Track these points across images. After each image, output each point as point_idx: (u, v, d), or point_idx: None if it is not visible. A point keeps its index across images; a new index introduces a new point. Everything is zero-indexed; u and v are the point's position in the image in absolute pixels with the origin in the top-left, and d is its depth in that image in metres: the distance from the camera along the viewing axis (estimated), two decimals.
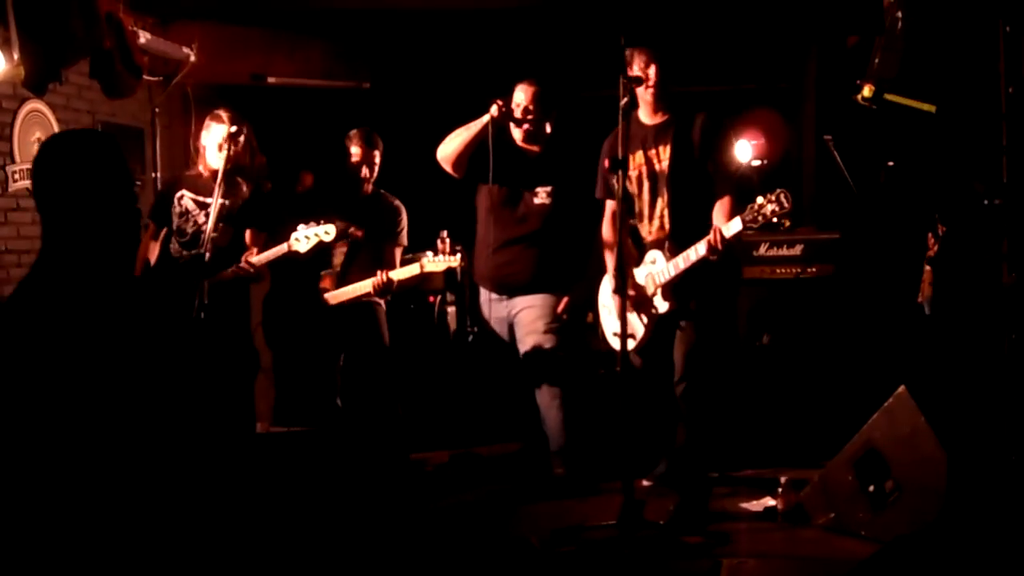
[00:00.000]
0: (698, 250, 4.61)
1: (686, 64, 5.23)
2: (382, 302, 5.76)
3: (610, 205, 5.10)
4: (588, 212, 5.32)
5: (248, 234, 5.49)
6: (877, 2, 5.15)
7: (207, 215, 5.38)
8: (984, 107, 4.95)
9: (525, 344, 5.47)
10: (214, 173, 5.38)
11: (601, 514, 4.79)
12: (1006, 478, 4.04)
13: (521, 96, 5.46)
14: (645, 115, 4.95)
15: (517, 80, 5.53)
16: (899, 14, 5.44)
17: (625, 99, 4.48)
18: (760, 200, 4.38)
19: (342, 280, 5.66)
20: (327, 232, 5.30)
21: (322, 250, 5.49)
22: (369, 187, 5.76)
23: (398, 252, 5.78)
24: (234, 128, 5.38)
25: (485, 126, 5.34)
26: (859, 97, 5.74)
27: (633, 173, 4.93)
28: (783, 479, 4.82)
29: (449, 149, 5.49)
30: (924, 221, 8.45)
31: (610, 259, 4.99)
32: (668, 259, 4.79)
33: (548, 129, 5.55)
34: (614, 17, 5.23)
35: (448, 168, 5.55)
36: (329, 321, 5.67)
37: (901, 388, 4.39)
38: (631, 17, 4.84)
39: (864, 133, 6.57)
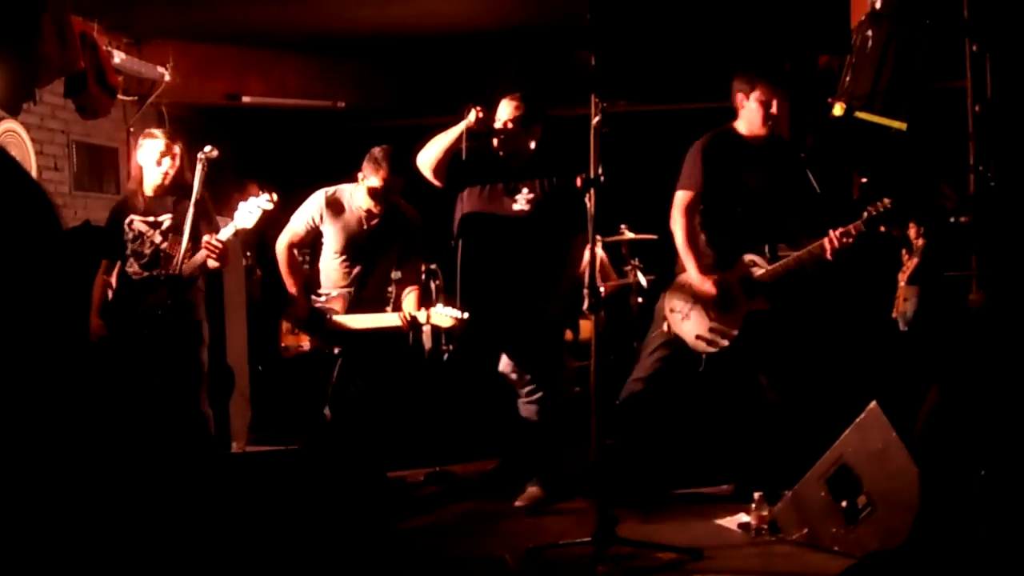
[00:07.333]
0: None
1: (660, 83, 5.25)
2: None
3: (683, 196, 5.30)
4: (565, 227, 5.31)
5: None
6: (846, 22, 5.19)
7: (162, 233, 5.49)
8: (952, 126, 5.02)
9: (504, 360, 5.48)
10: (157, 190, 5.52)
11: (576, 531, 4.81)
12: (976, 493, 4.06)
13: (504, 111, 5.42)
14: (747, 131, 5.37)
15: (504, 94, 5.50)
16: (869, 33, 5.48)
17: (597, 118, 4.49)
18: None
19: (357, 302, 5.47)
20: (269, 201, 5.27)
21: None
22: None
23: (419, 267, 5.70)
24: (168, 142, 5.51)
25: (462, 133, 5.25)
26: (830, 116, 5.78)
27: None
28: (756, 495, 4.84)
29: (428, 156, 5.38)
30: (898, 237, 8.52)
31: (690, 261, 5.29)
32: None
33: (532, 146, 5.48)
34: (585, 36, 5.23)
35: (428, 175, 5.42)
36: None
37: (873, 403, 4.41)
38: (602, 35, 4.82)
39: (836, 151, 6.61)
